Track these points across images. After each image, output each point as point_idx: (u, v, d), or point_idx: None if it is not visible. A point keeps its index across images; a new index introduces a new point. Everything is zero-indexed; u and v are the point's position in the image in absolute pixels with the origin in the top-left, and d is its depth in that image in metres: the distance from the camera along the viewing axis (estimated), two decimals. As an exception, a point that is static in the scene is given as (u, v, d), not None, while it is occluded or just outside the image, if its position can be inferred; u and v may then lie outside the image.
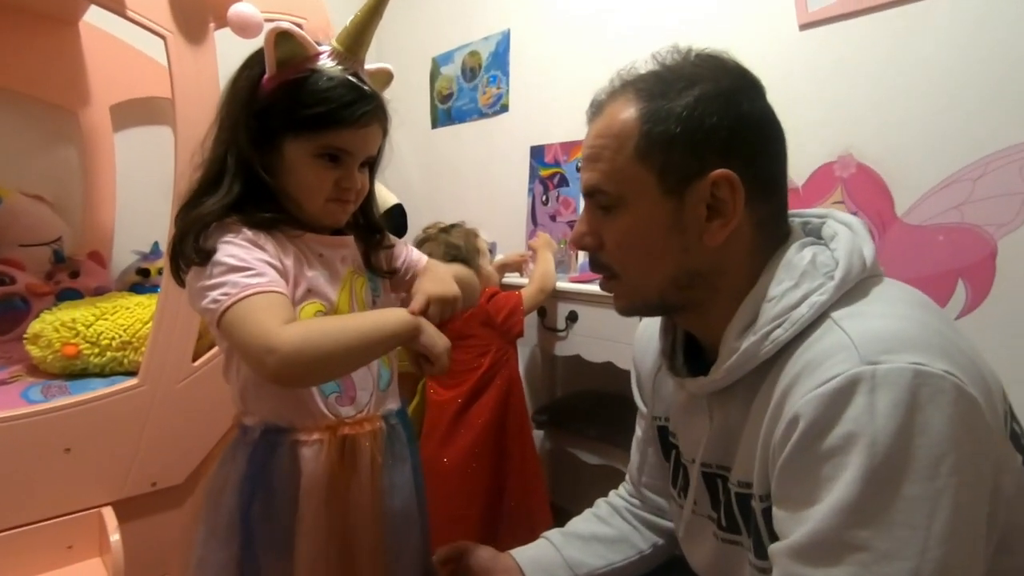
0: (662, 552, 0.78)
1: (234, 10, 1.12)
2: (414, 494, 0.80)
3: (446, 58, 2.12)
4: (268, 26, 1.15)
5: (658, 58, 0.59)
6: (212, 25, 1.15)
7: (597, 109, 0.60)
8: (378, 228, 0.82)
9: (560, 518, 1.70)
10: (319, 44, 0.71)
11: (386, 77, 0.79)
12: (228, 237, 0.67)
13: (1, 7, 1.54)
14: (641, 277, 0.59)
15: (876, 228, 1.18)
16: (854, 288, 0.51)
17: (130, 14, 1.05)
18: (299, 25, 1.22)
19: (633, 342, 0.80)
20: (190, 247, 0.67)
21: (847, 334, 0.47)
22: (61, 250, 1.68)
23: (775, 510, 0.49)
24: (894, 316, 0.48)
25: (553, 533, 0.79)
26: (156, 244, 1.84)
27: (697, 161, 0.53)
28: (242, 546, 0.70)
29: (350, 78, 0.70)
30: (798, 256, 0.54)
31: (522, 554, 0.77)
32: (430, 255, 1.44)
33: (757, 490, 0.53)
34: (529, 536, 0.81)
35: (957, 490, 0.41)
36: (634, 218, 0.56)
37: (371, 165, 0.78)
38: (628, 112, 0.55)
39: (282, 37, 0.67)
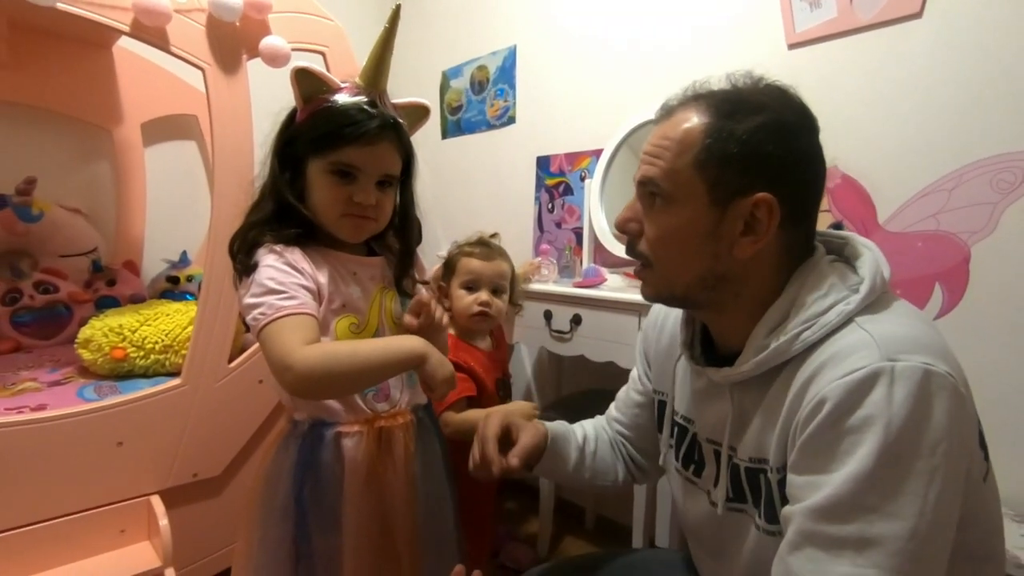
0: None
1: (264, 43, 1.24)
2: (445, 478, 0.89)
3: (455, 72, 2.21)
4: (297, 56, 1.26)
5: (732, 79, 0.63)
6: (245, 56, 1.25)
7: (667, 112, 0.64)
8: (411, 254, 0.90)
9: (564, 510, 1.80)
10: (344, 82, 0.81)
11: (421, 111, 0.87)
12: (270, 259, 0.76)
13: (42, 33, 1.64)
14: (672, 271, 0.64)
15: (860, 234, 1.26)
16: (874, 301, 0.58)
17: (174, 50, 1.15)
18: (322, 54, 1.34)
19: (648, 315, 0.86)
20: (240, 260, 0.78)
21: (870, 334, 0.54)
22: (99, 260, 1.79)
23: (792, 477, 0.55)
24: (907, 324, 0.56)
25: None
26: (184, 253, 1.94)
27: (746, 181, 0.58)
28: (296, 524, 0.79)
29: (364, 105, 0.78)
30: (828, 271, 0.60)
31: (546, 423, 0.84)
32: None
33: (774, 463, 0.59)
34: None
35: (947, 469, 0.49)
36: (678, 218, 0.61)
37: (402, 190, 0.86)
38: (695, 122, 0.60)
39: (301, 74, 0.77)
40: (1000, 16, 1.07)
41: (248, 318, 0.74)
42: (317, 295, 0.78)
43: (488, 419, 0.77)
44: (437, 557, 0.85)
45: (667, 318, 0.80)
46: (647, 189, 0.63)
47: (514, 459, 0.73)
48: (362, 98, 0.79)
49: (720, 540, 0.69)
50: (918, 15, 1.15)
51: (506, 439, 0.77)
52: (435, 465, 0.89)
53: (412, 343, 0.75)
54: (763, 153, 0.58)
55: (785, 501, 0.57)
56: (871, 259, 0.60)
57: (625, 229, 0.67)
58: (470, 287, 1.27)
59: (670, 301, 0.70)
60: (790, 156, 0.59)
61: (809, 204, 0.63)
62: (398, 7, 0.80)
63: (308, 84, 0.78)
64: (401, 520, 0.82)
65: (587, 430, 0.87)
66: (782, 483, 0.57)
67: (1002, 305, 1.09)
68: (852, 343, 0.54)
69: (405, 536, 0.83)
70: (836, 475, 0.51)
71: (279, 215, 0.79)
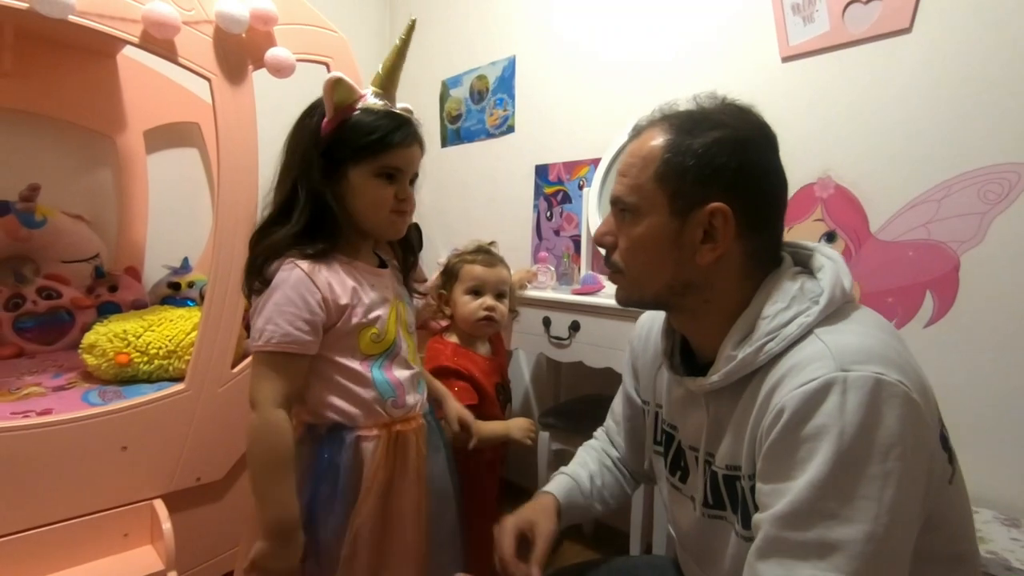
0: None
1: (270, 54, 1.26)
2: (448, 476, 0.92)
3: (455, 81, 2.24)
4: (301, 66, 1.29)
5: (697, 100, 0.67)
6: (250, 67, 1.27)
7: (636, 133, 0.69)
8: (415, 248, 0.96)
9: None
10: (364, 90, 0.85)
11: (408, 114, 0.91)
12: (282, 278, 0.79)
13: (47, 42, 1.66)
14: (641, 277, 0.68)
15: (853, 244, 1.29)
16: (834, 311, 0.61)
17: (181, 61, 1.18)
18: (326, 65, 1.36)
19: (634, 328, 0.89)
20: (256, 277, 0.80)
21: (826, 345, 0.56)
22: (101, 266, 1.80)
23: (759, 485, 0.57)
24: (863, 335, 0.58)
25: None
26: (186, 259, 1.95)
27: (703, 192, 0.62)
28: (306, 525, 0.80)
29: (391, 110, 0.84)
30: (790, 283, 0.63)
31: (551, 487, 0.86)
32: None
33: (745, 471, 0.61)
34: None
35: (902, 472, 0.51)
36: (645, 228, 0.65)
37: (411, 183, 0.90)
38: (657, 140, 0.64)
39: (338, 84, 0.81)
40: (986, 32, 1.10)
41: (252, 334, 0.79)
42: (326, 319, 0.81)
43: (502, 533, 0.77)
44: (442, 557, 0.87)
45: (651, 330, 0.83)
46: (618, 207, 0.68)
47: (535, 568, 0.75)
48: (387, 104, 0.85)
49: (704, 546, 0.72)
50: (907, 30, 1.19)
51: (523, 538, 0.78)
52: (441, 467, 0.91)
53: (289, 516, 0.77)
54: (717, 165, 0.61)
55: (757, 508, 0.59)
56: (832, 270, 0.63)
57: (602, 243, 0.71)
58: (475, 292, 1.29)
59: (640, 305, 0.74)
60: (744, 168, 0.62)
61: (768, 214, 0.65)
62: (413, 21, 0.87)
63: (341, 93, 0.81)
64: (411, 521, 0.85)
65: (590, 466, 0.89)
66: (754, 490, 0.60)
67: (991, 312, 1.11)
68: (810, 354, 0.57)
69: (414, 537, 0.85)
70: (796, 483, 0.53)
71: (311, 226, 0.82)
